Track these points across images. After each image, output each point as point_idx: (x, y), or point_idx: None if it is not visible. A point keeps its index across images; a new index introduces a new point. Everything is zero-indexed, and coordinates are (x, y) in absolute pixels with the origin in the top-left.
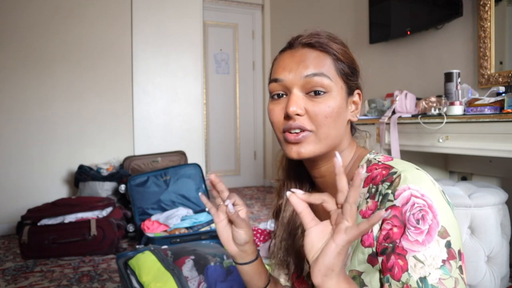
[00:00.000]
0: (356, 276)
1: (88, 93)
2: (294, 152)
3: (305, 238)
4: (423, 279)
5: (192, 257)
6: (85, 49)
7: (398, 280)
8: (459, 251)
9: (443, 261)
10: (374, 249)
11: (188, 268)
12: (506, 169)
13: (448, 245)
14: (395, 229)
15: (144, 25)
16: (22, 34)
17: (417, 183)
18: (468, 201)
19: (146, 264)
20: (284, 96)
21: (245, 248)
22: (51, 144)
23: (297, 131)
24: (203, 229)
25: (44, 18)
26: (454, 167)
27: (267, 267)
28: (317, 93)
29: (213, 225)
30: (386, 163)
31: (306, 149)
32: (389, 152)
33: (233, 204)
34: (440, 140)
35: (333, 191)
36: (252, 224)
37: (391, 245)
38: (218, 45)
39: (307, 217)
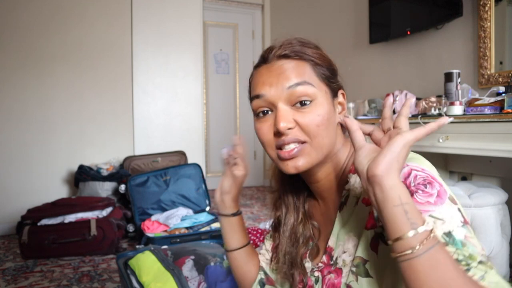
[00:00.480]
0: (360, 264)
1: (88, 93)
2: (291, 167)
3: (356, 152)
4: (448, 234)
5: (192, 257)
6: (85, 49)
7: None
8: (466, 220)
9: (461, 222)
10: (378, 230)
11: (188, 268)
12: (506, 169)
13: (460, 212)
14: None
15: (144, 25)
16: (22, 34)
17: (415, 161)
18: (468, 201)
19: (146, 264)
20: (270, 112)
21: (224, 198)
22: (51, 144)
23: (292, 146)
24: (203, 229)
25: (44, 18)
26: (454, 167)
27: (272, 273)
28: (303, 103)
29: (213, 225)
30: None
31: (303, 162)
32: None
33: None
34: (440, 140)
35: (329, 194)
36: (252, 224)
37: None
38: (218, 45)
39: (361, 136)
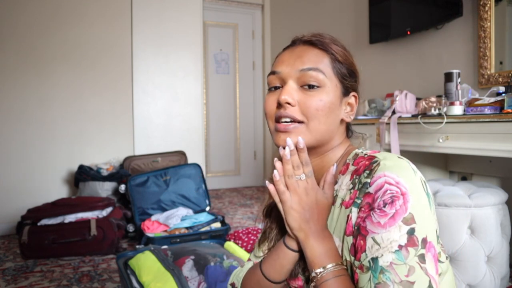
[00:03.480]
0: (349, 267)
1: (88, 93)
2: (282, 140)
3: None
4: (374, 259)
5: (192, 257)
6: (85, 49)
7: (358, 260)
8: (424, 239)
9: (400, 246)
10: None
11: (188, 268)
12: (506, 169)
13: (411, 232)
14: (365, 215)
15: (144, 25)
16: (22, 34)
17: (394, 171)
18: (468, 201)
19: (146, 264)
20: (280, 88)
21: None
22: (51, 144)
23: (287, 120)
24: (203, 229)
25: (44, 18)
26: (454, 167)
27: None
28: (311, 86)
29: (213, 225)
30: (372, 154)
31: (294, 139)
32: (389, 152)
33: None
34: (440, 140)
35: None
36: (252, 224)
37: (357, 227)
38: (218, 45)
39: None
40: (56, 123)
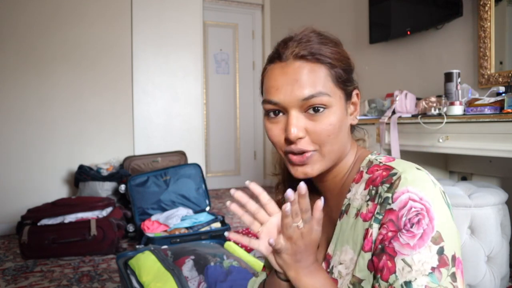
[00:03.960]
0: (356, 284)
1: (88, 93)
2: (300, 173)
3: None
4: (408, 283)
5: (192, 257)
6: (85, 49)
7: (386, 281)
8: (454, 257)
9: (433, 268)
10: (376, 252)
11: (188, 268)
12: (506, 169)
13: (441, 251)
14: (389, 234)
15: (144, 25)
16: (22, 33)
17: (416, 185)
18: (468, 201)
19: (146, 264)
20: (281, 114)
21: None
22: (51, 144)
23: (300, 152)
24: (203, 229)
25: (44, 18)
26: (454, 167)
27: (260, 263)
28: (316, 109)
29: (213, 225)
30: (387, 163)
31: (312, 169)
32: (389, 152)
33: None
34: (440, 140)
35: (332, 196)
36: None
37: (382, 246)
38: (218, 45)
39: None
40: (56, 123)
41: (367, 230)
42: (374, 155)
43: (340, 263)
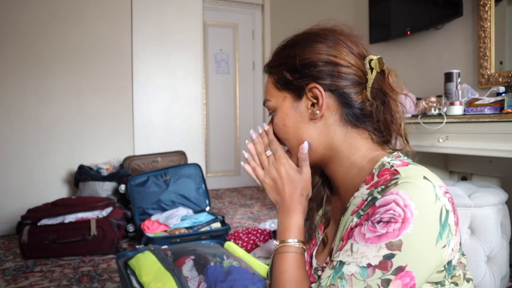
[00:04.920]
0: None
1: (88, 93)
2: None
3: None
4: (341, 263)
5: (192, 257)
6: (85, 49)
7: (334, 254)
8: (400, 268)
9: (369, 264)
10: None
11: (188, 268)
12: (506, 169)
13: (389, 257)
14: (359, 222)
15: (144, 25)
16: (22, 33)
17: (410, 192)
18: (468, 201)
19: (146, 264)
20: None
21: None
22: (51, 144)
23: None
24: (203, 229)
25: (43, 17)
26: (454, 167)
27: (267, 266)
28: (270, 113)
29: (213, 225)
30: (397, 168)
31: (293, 160)
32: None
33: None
34: (440, 140)
35: (342, 191)
36: (252, 224)
37: (350, 228)
38: (218, 45)
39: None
40: (56, 123)
41: (349, 224)
42: (390, 158)
43: None
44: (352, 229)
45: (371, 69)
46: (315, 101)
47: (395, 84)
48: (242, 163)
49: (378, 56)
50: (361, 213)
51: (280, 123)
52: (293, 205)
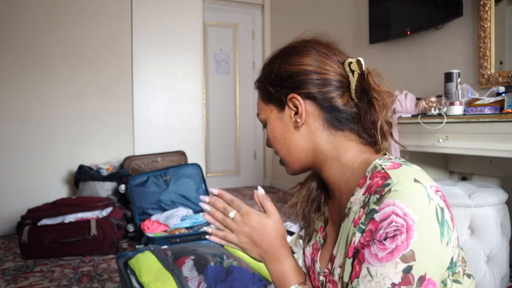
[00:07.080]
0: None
1: (88, 92)
2: (286, 171)
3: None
4: None
5: (192, 257)
6: (85, 48)
7: (351, 282)
8: (422, 277)
9: (393, 284)
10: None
11: (188, 268)
12: (506, 169)
13: (408, 270)
14: (365, 241)
15: (144, 25)
16: (21, 33)
17: (405, 200)
18: (468, 201)
19: (146, 264)
20: None
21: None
22: (51, 144)
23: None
24: (203, 229)
25: (43, 17)
26: (454, 167)
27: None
28: (263, 126)
29: (213, 225)
30: (387, 171)
31: (287, 170)
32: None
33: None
34: (440, 140)
35: (338, 195)
36: None
37: (357, 249)
38: (218, 45)
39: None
40: (56, 123)
41: (352, 237)
42: (382, 160)
43: (340, 266)
44: (357, 249)
45: (352, 71)
46: (296, 109)
47: (377, 83)
48: (207, 236)
49: (357, 58)
50: (362, 227)
51: (271, 135)
52: (279, 251)
